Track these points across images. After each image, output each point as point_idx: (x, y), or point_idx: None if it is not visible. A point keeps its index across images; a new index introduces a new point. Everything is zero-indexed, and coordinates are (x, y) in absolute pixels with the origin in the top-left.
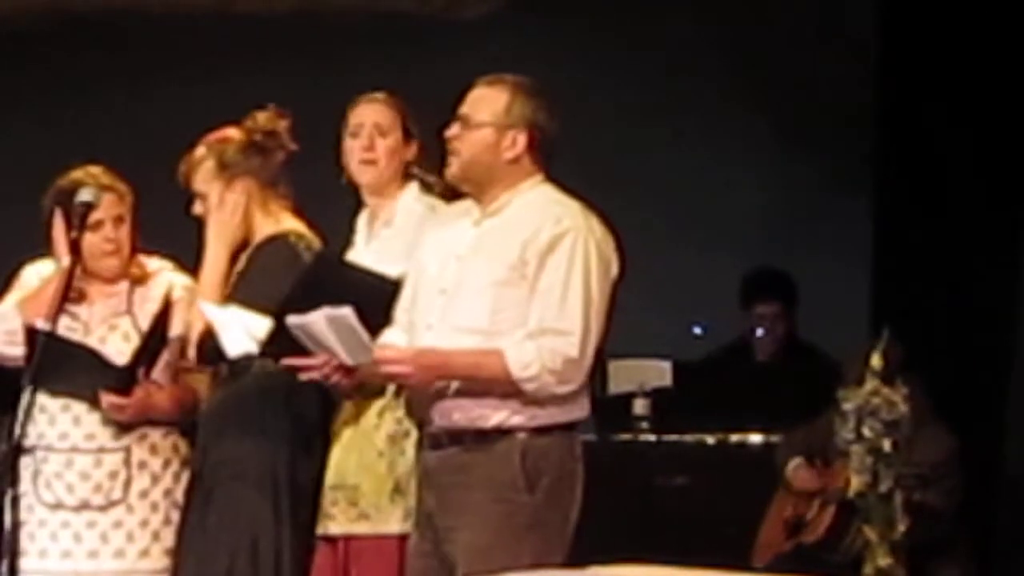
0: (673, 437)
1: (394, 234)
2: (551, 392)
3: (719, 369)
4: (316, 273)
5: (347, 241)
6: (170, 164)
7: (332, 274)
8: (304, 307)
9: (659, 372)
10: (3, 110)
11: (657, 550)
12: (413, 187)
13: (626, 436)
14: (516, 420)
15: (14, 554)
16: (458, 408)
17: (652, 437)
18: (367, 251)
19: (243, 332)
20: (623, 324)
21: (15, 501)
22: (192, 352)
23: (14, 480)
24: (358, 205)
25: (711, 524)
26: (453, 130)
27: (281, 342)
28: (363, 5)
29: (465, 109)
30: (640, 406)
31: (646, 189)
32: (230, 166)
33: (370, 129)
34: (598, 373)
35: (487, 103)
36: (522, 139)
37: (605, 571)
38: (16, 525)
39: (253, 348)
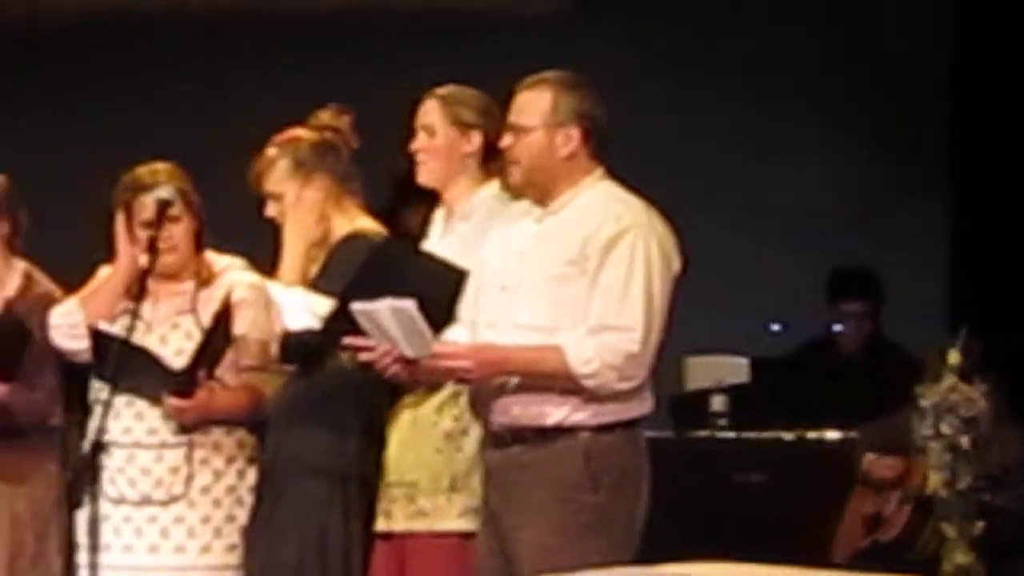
0: (750, 434)
1: (469, 229)
2: (612, 388)
3: (797, 365)
4: (383, 256)
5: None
6: (237, 164)
7: (399, 259)
8: (369, 290)
9: (737, 368)
10: (69, 108)
11: (734, 547)
12: (493, 184)
13: (703, 433)
14: (578, 418)
15: (95, 548)
16: (520, 406)
17: (729, 434)
18: (441, 244)
19: (306, 309)
20: (701, 321)
21: (95, 497)
22: (275, 348)
23: (94, 477)
24: (434, 200)
25: (788, 521)
26: (506, 140)
27: (343, 322)
28: (429, 2)
29: (512, 117)
30: (717, 402)
31: (726, 187)
32: (305, 164)
33: (420, 130)
34: (675, 370)
35: (533, 106)
36: (575, 134)
37: (681, 568)
38: (95, 520)
39: (314, 323)
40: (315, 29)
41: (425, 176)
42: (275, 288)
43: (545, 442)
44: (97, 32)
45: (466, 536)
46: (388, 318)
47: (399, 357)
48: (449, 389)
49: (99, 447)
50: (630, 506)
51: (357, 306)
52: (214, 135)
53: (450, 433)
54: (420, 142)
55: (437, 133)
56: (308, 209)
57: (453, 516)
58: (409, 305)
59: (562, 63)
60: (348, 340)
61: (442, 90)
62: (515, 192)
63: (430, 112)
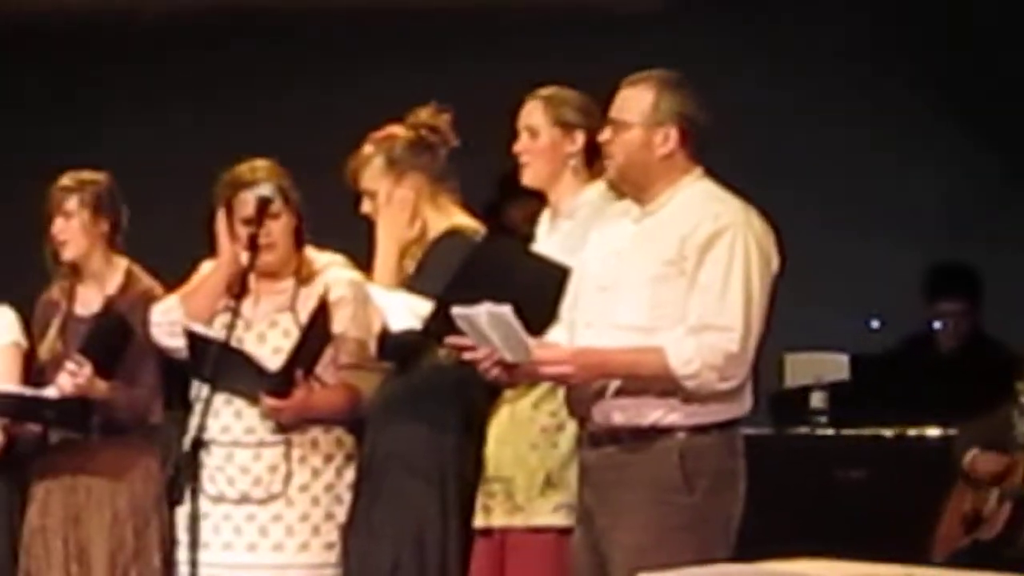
0: (850, 431)
1: (573, 227)
2: (712, 389)
3: (898, 362)
4: (485, 255)
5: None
6: (336, 161)
7: (501, 257)
8: (470, 289)
9: (837, 365)
10: (170, 106)
11: (835, 544)
12: (600, 184)
13: (803, 430)
14: (675, 418)
15: (194, 545)
16: (617, 406)
17: (829, 431)
18: (546, 243)
19: (408, 311)
20: (800, 318)
21: (195, 494)
22: (372, 346)
23: (194, 474)
24: (535, 197)
25: (889, 518)
26: (605, 134)
27: (444, 322)
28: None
29: (613, 112)
30: (817, 399)
31: (825, 182)
32: (399, 163)
33: (523, 131)
34: (775, 367)
35: (634, 103)
36: (673, 134)
37: (782, 565)
38: (196, 517)
39: (416, 324)
40: (417, 26)
41: (529, 177)
42: (377, 291)
43: (641, 442)
44: (197, 31)
45: (562, 531)
46: (486, 323)
47: (499, 360)
48: (546, 385)
49: (199, 444)
50: (726, 507)
51: (457, 311)
52: (314, 132)
53: (546, 429)
54: (523, 143)
55: (540, 134)
56: (400, 207)
57: (548, 511)
58: (506, 311)
59: (661, 61)
60: (450, 340)
61: (544, 91)
62: (611, 186)
63: (533, 113)
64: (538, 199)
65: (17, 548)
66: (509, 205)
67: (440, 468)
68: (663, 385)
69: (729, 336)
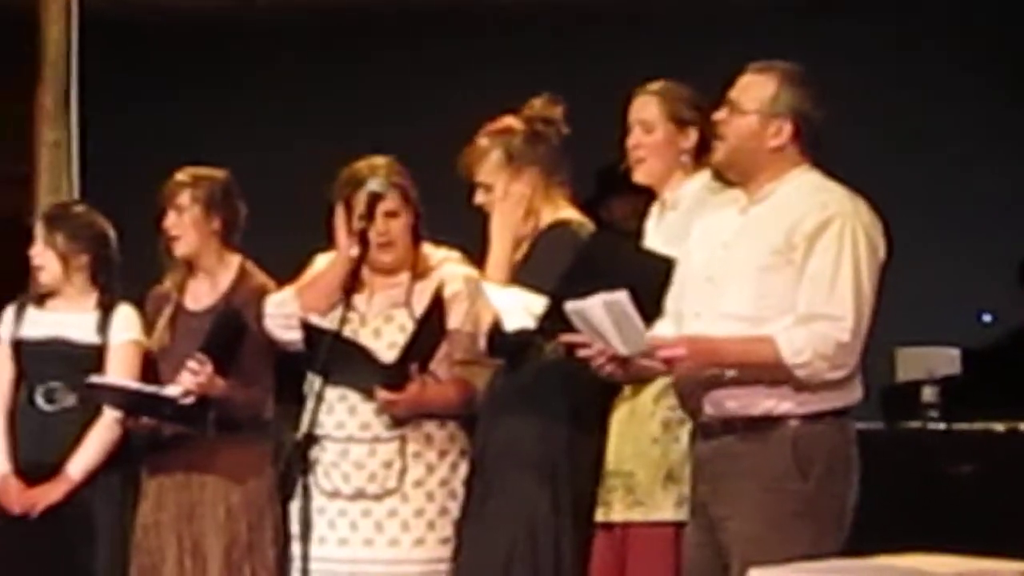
0: (962, 425)
1: (678, 218)
2: (823, 378)
3: (1009, 356)
4: (592, 250)
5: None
6: (448, 154)
7: (609, 252)
8: (580, 285)
9: (948, 360)
10: (289, 104)
11: (946, 539)
12: (704, 174)
13: (914, 424)
14: (787, 407)
15: (306, 540)
16: (729, 396)
17: (941, 425)
18: (655, 236)
19: (521, 309)
20: (911, 312)
21: (306, 489)
22: (482, 343)
23: (305, 469)
24: (638, 191)
25: (1000, 513)
26: (721, 114)
27: (557, 319)
28: None
29: (733, 94)
30: (929, 394)
31: (934, 178)
32: (517, 157)
33: (636, 126)
34: (886, 361)
35: (755, 90)
36: (787, 128)
37: (894, 560)
38: (307, 511)
39: (530, 323)
40: (527, 18)
41: (643, 174)
42: (491, 289)
43: (754, 432)
44: (313, 28)
45: (682, 526)
46: (600, 314)
47: (613, 356)
48: (666, 379)
49: (310, 439)
50: (840, 495)
51: (570, 306)
52: (431, 127)
53: (667, 423)
54: (638, 138)
55: (655, 129)
56: (516, 203)
57: (670, 506)
58: (621, 297)
59: (769, 54)
60: (564, 338)
61: (655, 86)
62: (715, 174)
63: (648, 107)
64: (639, 194)
65: (130, 543)
66: (610, 200)
67: (551, 462)
68: (774, 374)
69: (839, 325)
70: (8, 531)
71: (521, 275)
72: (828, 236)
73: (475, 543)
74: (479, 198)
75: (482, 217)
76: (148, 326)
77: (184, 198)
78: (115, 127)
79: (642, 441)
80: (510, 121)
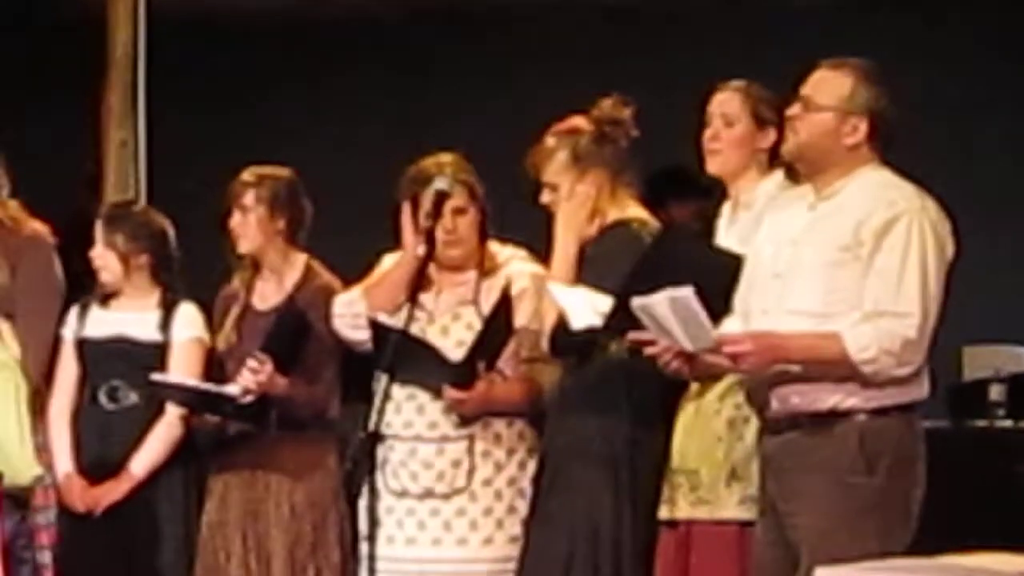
0: None
1: (752, 217)
2: (889, 374)
3: None
4: (661, 247)
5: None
6: (516, 152)
7: (676, 249)
8: (647, 282)
9: (1015, 358)
10: (365, 100)
11: (1013, 538)
12: (778, 174)
13: (981, 423)
14: (853, 402)
15: (372, 539)
16: (796, 392)
17: (1008, 423)
18: (727, 235)
19: (588, 308)
20: (979, 310)
21: (372, 488)
22: (544, 343)
23: (371, 467)
24: (701, 193)
25: None
26: (794, 109)
27: (624, 317)
28: None
29: (807, 90)
30: (995, 392)
31: (1002, 175)
32: (583, 158)
33: (717, 119)
34: (953, 359)
35: (830, 87)
36: (863, 126)
37: (961, 559)
38: (373, 511)
39: (597, 322)
40: (591, 19)
41: (717, 165)
42: (557, 289)
43: (820, 427)
44: (378, 27)
45: (745, 524)
46: (666, 310)
47: (679, 353)
48: (732, 378)
49: (376, 437)
50: (907, 489)
51: (637, 301)
52: (497, 126)
53: (732, 421)
54: (717, 129)
55: (737, 123)
56: (581, 203)
57: (734, 504)
58: (687, 293)
59: (840, 52)
60: (632, 336)
61: (739, 83)
62: (786, 158)
63: (731, 102)
64: (704, 195)
65: (195, 541)
66: (673, 202)
67: (614, 460)
68: (840, 371)
69: (906, 322)
70: (72, 529)
71: (584, 274)
72: (896, 233)
73: (538, 540)
74: (545, 198)
75: (547, 217)
76: (216, 325)
77: (249, 198)
78: (181, 127)
79: (707, 439)
80: (578, 121)
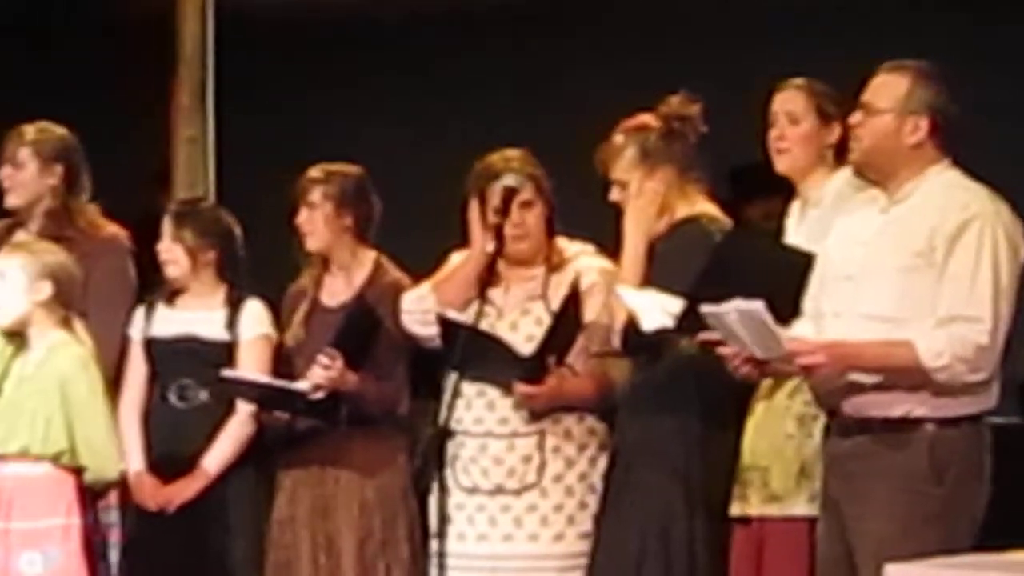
0: None
1: (820, 215)
2: (962, 381)
3: None
4: (730, 247)
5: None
6: (586, 149)
7: (745, 249)
8: (718, 282)
9: None
10: (432, 97)
11: None
12: (846, 170)
13: None
14: (924, 411)
15: (442, 535)
16: (868, 398)
17: None
18: (796, 234)
19: (659, 309)
20: None
21: (442, 484)
22: (616, 340)
23: (441, 464)
24: (791, 190)
25: None
26: (855, 117)
27: (695, 319)
28: None
29: (867, 96)
30: None
31: None
32: (652, 154)
33: (782, 117)
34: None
35: (888, 90)
36: (924, 125)
37: None
38: (443, 507)
39: (668, 323)
40: (660, 15)
41: (786, 164)
42: (626, 291)
43: (890, 433)
44: (447, 23)
45: (816, 521)
46: (736, 321)
47: (749, 358)
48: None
49: (446, 433)
50: (972, 500)
51: (706, 309)
52: (561, 121)
53: (802, 418)
54: (782, 128)
55: (802, 121)
56: (650, 200)
57: (803, 501)
58: (758, 308)
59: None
60: (702, 338)
61: (800, 80)
62: (856, 172)
63: (795, 99)
64: (776, 194)
65: (265, 537)
66: (747, 203)
67: (685, 458)
68: (913, 378)
69: (979, 328)
70: (143, 527)
71: (654, 272)
72: (968, 237)
73: (610, 537)
74: (614, 195)
75: (616, 214)
76: (285, 322)
77: (316, 195)
78: (250, 123)
79: (777, 436)
80: (646, 118)
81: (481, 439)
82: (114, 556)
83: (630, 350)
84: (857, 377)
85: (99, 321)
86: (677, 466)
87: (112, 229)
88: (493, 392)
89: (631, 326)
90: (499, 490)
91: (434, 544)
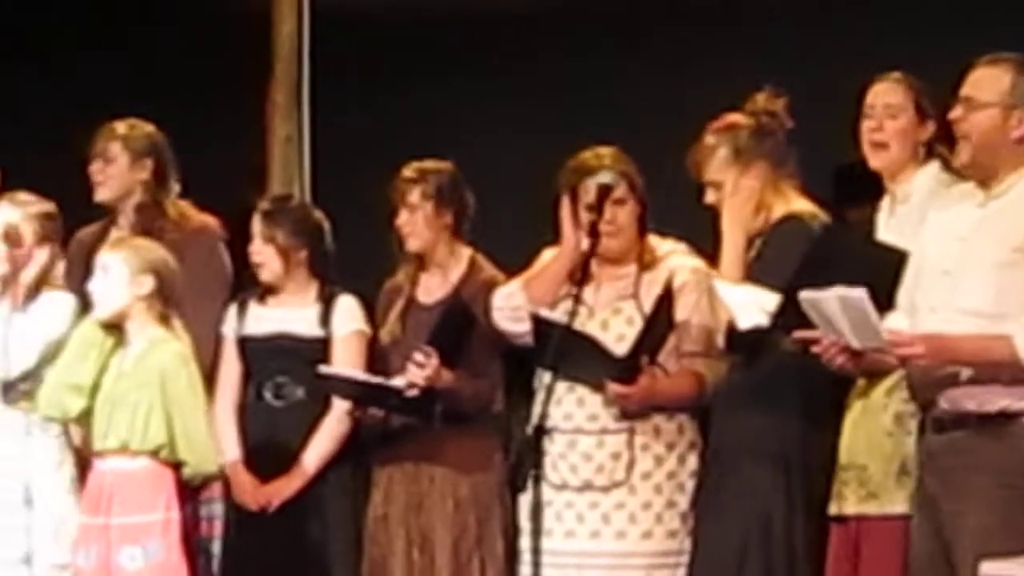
0: None
1: (910, 211)
2: None
3: None
4: (824, 244)
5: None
6: (679, 149)
7: (840, 245)
8: (813, 279)
9: None
10: (525, 96)
11: None
12: (934, 165)
13: None
14: (1022, 405)
15: (537, 532)
16: (965, 393)
17: None
18: (886, 229)
19: (755, 307)
20: None
21: (537, 481)
22: (720, 340)
23: (537, 462)
24: (880, 187)
25: None
26: (957, 112)
27: (791, 315)
28: None
29: (967, 90)
30: None
31: None
32: (744, 152)
33: (880, 110)
34: None
35: (990, 83)
36: None
37: None
38: (538, 504)
39: (764, 321)
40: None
41: (882, 160)
42: (724, 287)
43: (988, 428)
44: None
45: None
46: (836, 308)
47: (845, 348)
48: (899, 372)
49: (541, 432)
50: None
51: (805, 295)
52: (656, 120)
53: (900, 416)
54: (881, 121)
55: (900, 115)
56: (746, 198)
57: (902, 499)
58: (860, 294)
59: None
60: (798, 335)
61: (897, 74)
62: (961, 170)
63: (893, 93)
64: (873, 195)
65: (362, 533)
66: (846, 205)
67: (785, 456)
68: (1011, 373)
69: None
70: (243, 524)
71: (755, 271)
72: None
73: (709, 535)
74: (709, 197)
75: (712, 215)
76: (380, 319)
77: (414, 195)
78: (346, 122)
79: (875, 435)
80: (735, 117)
81: (571, 435)
82: (216, 547)
83: (734, 350)
84: (954, 369)
85: (195, 311)
86: (777, 465)
87: (203, 218)
88: (583, 388)
89: (731, 325)
90: (587, 486)
91: (524, 541)
